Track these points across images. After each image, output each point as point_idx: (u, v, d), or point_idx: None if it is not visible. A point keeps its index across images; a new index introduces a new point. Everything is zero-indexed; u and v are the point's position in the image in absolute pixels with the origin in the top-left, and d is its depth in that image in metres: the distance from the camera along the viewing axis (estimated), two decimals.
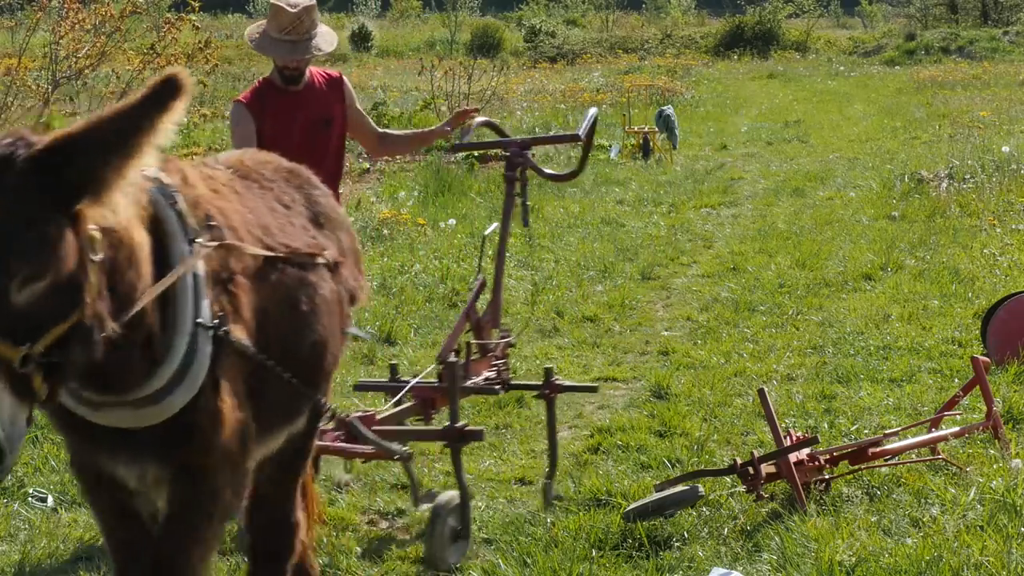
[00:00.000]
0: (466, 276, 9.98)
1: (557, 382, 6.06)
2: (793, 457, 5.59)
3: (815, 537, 5.09)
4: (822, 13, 52.59)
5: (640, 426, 6.82)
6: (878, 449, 5.85)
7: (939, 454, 6.01)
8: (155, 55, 16.79)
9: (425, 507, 5.32)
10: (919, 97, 26.85)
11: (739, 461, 5.58)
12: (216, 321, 3.51)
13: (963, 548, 4.87)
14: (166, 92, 3.08)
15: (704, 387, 7.48)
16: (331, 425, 5.06)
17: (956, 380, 7.39)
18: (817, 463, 5.72)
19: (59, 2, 16.35)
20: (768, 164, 17.93)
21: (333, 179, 6.04)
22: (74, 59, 15.44)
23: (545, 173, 6.37)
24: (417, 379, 5.69)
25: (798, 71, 36.78)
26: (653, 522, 5.36)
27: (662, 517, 5.37)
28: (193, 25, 17.32)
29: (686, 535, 5.31)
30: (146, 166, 3.14)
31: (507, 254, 6.44)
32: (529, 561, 5.12)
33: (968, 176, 14.59)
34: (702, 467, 5.99)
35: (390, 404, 5.60)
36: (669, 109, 19.87)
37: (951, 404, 6.31)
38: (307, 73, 6.27)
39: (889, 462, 5.89)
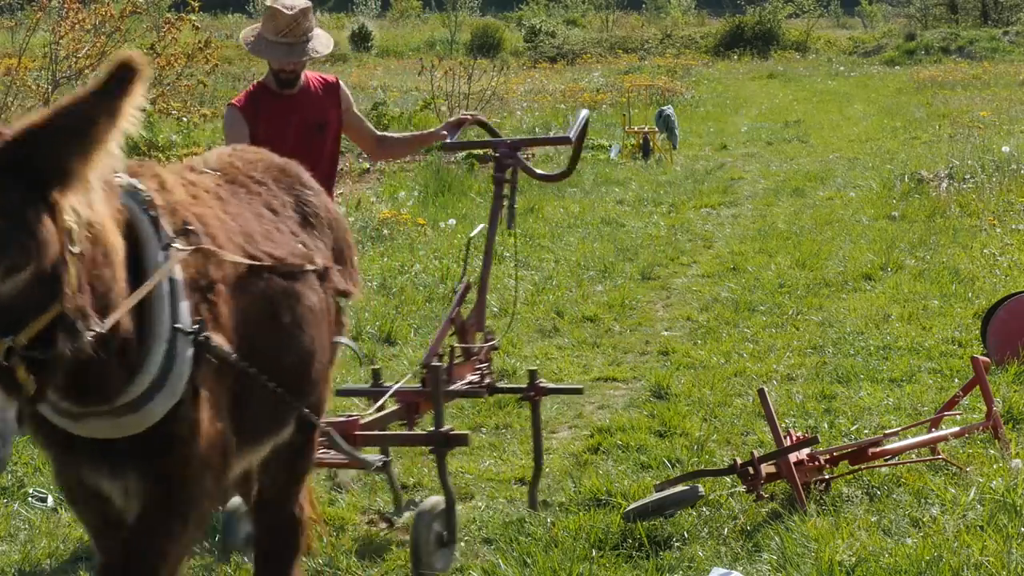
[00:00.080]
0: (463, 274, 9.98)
1: (541, 385, 6.01)
2: (793, 457, 5.59)
3: (815, 537, 5.08)
4: (822, 13, 52.60)
5: (640, 426, 6.82)
6: (878, 449, 5.85)
7: (939, 454, 6.01)
8: (155, 55, 16.80)
9: (408, 514, 5.29)
10: (919, 97, 26.86)
11: (739, 461, 5.58)
12: (195, 327, 3.47)
13: (963, 548, 4.87)
14: (124, 76, 3.07)
15: (704, 387, 7.48)
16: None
17: (956, 380, 7.39)
18: (817, 463, 5.72)
19: (59, 2, 16.37)
20: (768, 164, 17.93)
21: (327, 182, 6.02)
22: (74, 59, 15.45)
23: (535, 173, 6.36)
24: (399, 384, 5.67)
25: (798, 71, 36.79)
26: (653, 522, 5.36)
27: (662, 517, 5.37)
28: (193, 25, 17.33)
29: (686, 535, 5.31)
30: (114, 153, 3.12)
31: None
32: (529, 561, 5.12)
33: (968, 176, 14.59)
34: (702, 467, 5.99)
35: (372, 409, 5.55)
36: (669, 109, 19.88)
37: (951, 404, 6.31)
38: (303, 77, 6.26)
39: (889, 462, 5.89)
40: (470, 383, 5.74)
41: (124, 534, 3.62)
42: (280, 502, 4.36)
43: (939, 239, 11.58)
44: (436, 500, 5.18)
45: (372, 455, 5.18)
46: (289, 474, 4.34)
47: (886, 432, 6.10)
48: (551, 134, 19.12)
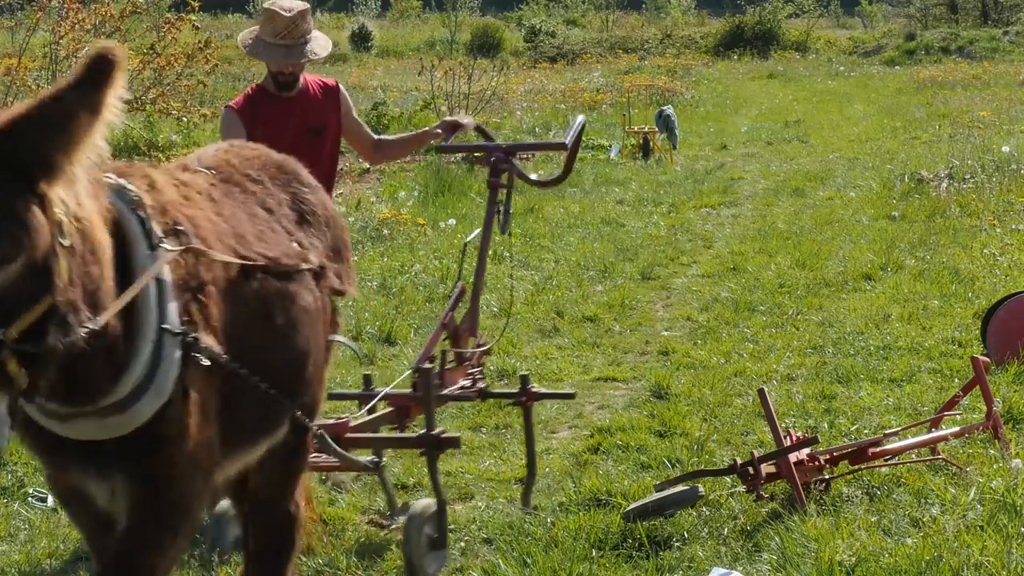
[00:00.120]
0: (466, 276, 9.98)
1: (533, 390, 6.00)
2: (793, 457, 5.59)
3: (815, 537, 5.08)
4: (822, 13, 52.62)
5: (640, 426, 6.82)
6: (878, 449, 5.85)
7: (939, 454, 6.01)
8: (155, 55, 16.82)
9: (401, 518, 5.29)
10: (919, 97, 26.86)
11: (739, 461, 5.58)
12: (183, 328, 3.45)
13: (963, 548, 4.87)
14: (101, 68, 3.06)
15: (704, 387, 7.48)
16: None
17: (956, 380, 7.39)
18: (817, 463, 5.72)
19: (59, 2, 16.39)
20: (768, 164, 17.93)
21: (327, 183, 6.00)
22: (74, 59, 15.46)
23: (529, 179, 6.34)
24: (388, 388, 5.65)
25: (798, 71, 36.80)
26: (653, 522, 5.36)
27: (662, 517, 5.37)
28: (193, 25, 17.36)
29: (686, 535, 5.31)
30: (99, 145, 3.11)
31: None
32: (529, 561, 5.11)
33: (968, 176, 14.59)
34: (702, 467, 5.99)
35: (362, 412, 5.54)
36: (669, 109, 19.88)
37: (951, 404, 6.31)
38: (301, 79, 6.25)
39: (889, 462, 5.89)
40: (462, 388, 5.73)
41: (115, 536, 3.61)
42: (275, 500, 4.36)
43: (939, 239, 11.58)
44: (427, 503, 5.16)
45: (364, 457, 5.16)
46: (284, 473, 4.33)
47: (886, 432, 6.10)
48: (551, 135, 19.16)
